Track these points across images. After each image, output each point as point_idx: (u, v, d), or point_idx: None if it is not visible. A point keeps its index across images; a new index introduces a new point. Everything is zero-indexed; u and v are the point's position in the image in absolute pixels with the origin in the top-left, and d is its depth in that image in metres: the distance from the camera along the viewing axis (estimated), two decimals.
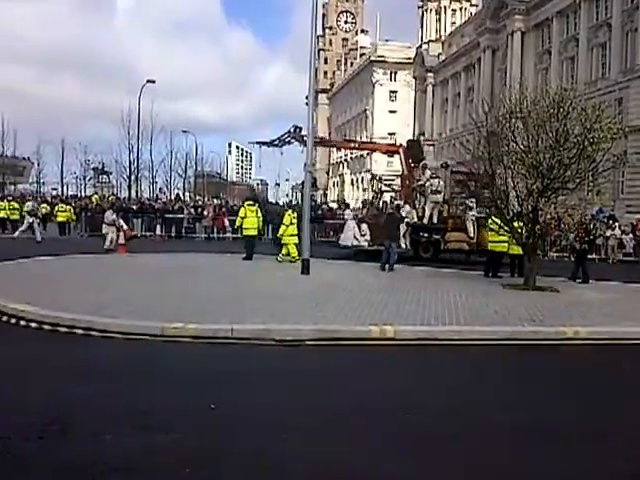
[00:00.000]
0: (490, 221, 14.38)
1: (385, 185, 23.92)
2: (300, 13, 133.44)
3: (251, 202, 18.66)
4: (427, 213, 20.28)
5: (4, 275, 12.20)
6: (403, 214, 19.40)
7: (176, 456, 4.02)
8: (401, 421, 4.87)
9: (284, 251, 17.38)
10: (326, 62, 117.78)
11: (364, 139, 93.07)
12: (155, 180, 56.60)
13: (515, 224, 13.47)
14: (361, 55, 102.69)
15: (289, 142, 24.62)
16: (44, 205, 31.08)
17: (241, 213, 18.04)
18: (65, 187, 61.82)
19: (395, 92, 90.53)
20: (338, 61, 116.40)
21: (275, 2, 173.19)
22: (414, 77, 77.05)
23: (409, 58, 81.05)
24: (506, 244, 14.62)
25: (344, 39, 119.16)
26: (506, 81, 49.86)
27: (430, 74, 72.03)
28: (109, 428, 4.43)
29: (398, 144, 26.22)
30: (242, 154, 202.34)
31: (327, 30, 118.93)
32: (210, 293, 10.63)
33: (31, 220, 22.90)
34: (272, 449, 4.20)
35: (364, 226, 20.59)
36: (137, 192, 45.64)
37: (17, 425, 4.42)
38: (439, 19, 74.70)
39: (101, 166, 47.70)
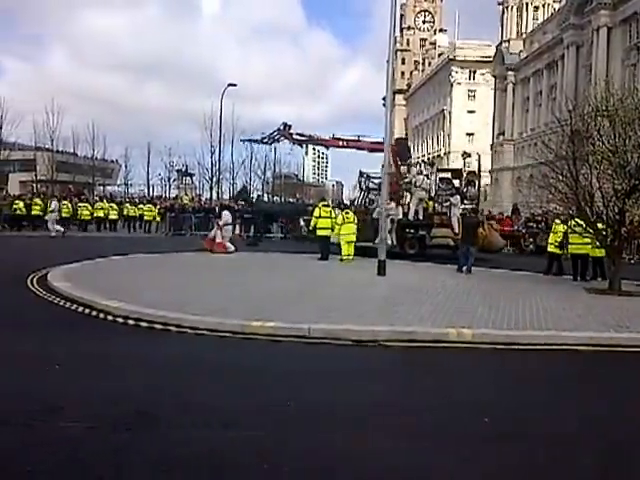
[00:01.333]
0: (574, 223, 13.86)
1: (372, 183, 23.73)
2: (379, 14, 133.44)
3: (326, 203, 18.85)
4: (412, 209, 20.63)
5: (96, 272, 12.83)
6: (391, 212, 19.52)
7: (257, 452, 4.09)
8: (478, 425, 4.77)
9: (344, 251, 17.42)
10: (403, 62, 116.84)
11: (441, 140, 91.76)
12: (235, 181, 58.08)
13: (599, 225, 12.95)
14: (439, 54, 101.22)
15: (278, 140, 24.64)
16: (129, 206, 32.87)
17: (316, 213, 18.26)
18: (151, 188, 64.34)
19: (474, 91, 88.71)
20: (416, 61, 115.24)
21: (355, 3, 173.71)
22: (494, 76, 75.17)
23: (488, 56, 79.17)
24: (589, 246, 14.08)
25: (422, 39, 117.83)
26: (591, 78, 47.81)
27: (511, 72, 70.08)
28: (194, 423, 4.56)
29: (381, 142, 26.06)
30: (319, 155, 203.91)
31: (405, 30, 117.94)
32: (288, 292, 10.76)
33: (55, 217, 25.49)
34: (352, 447, 4.22)
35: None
36: (218, 193, 46.83)
37: (106, 415, 4.62)
38: (520, 16, 72.51)
39: (184, 168, 49.18)
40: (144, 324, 8.05)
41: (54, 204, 26.38)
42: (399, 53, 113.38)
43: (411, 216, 20.64)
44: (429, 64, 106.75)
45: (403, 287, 11.93)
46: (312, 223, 18.59)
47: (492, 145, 73.48)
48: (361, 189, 24.13)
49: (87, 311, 8.84)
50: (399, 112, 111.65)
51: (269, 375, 6.05)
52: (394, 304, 9.71)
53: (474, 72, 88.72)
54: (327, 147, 25.81)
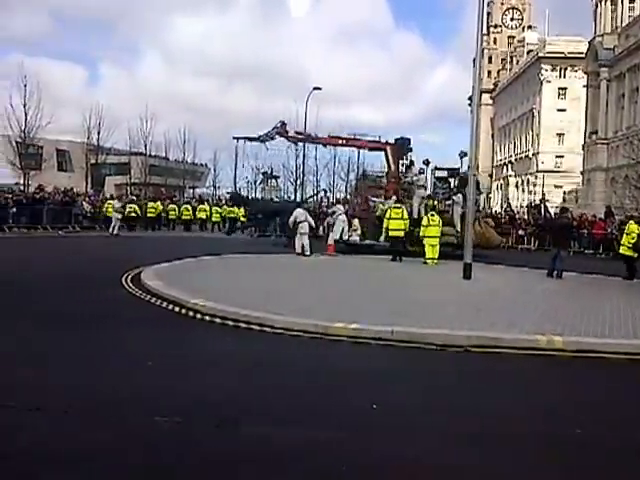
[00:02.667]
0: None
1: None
2: (467, 13, 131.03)
3: (397, 204, 18.74)
4: (415, 208, 20.49)
5: (186, 271, 13.27)
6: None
7: (336, 454, 4.08)
8: (567, 439, 4.55)
9: (428, 254, 17.18)
10: (490, 61, 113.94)
11: (529, 140, 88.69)
12: (319, 183, 58.51)
13: None
14: (528, 52, 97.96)
15: (272, 137, 24.04)
16: (218, 208, 34.48)
17: (387, 214, 18.16)
18: (238, 190, 65.94)
19: (564, 89, 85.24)
20: (503, 59, 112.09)
21: (443, 3, 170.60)
22: (586, 73, 71.92)
23: (580, 53, 75.79)
24: None
25: (510, 36, 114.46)
26: None
27: (604, 69, 66.74)
28: (277, 422, 4.61)
29: (384, 141, 24.74)
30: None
31: (492, 28, 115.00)
32: (370, 294, 10.72)
33: (119, 216, 27.21)
34: (435, 454, 4.13)
35: (355, 221, 20.79)
36: (302, 195, 47.34)
37: (194, 412, 4.74)
38: (615, 9, 68.96)
39: (270, 171, 50.19)
40: (230, 323, 8.23)
41: (118, 204, 28.20)
42: (486, 52, 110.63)
43: (415, 214, 20.47)
44: (517, 62, 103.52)
45: (490, 291, 11.61)
46: (384, 224, 18.50)
47: (584, 145, 70.34)
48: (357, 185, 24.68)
49: (177, 309, 9.13)
50: (485, 112, 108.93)
51: (351, 377, 6.03)
52: (480, 308, 9.46)
53: (564, 69, 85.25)
54: (325, 145, 25.30)
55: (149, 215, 32.08)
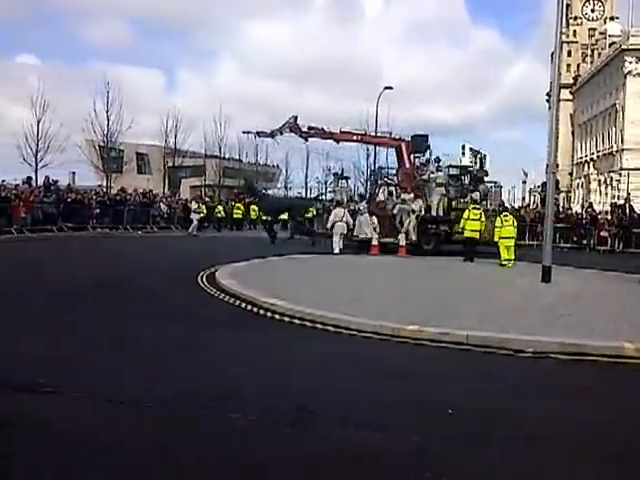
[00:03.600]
0: None
1: (388, 178, 23.65)
2: (545, 6, 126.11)
3: (477, 205, 18.46)
4: (434, 205, 20.65)
5: (260, 271, 13.50)
6: (414, 207, 20.30)
7: (415, 459, 4.02)
8: None
9: (503, 255, 16.78)
10: (569, 55, 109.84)
11: (612, 136, 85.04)
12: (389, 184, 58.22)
13: None
14: (610, 45, 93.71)
15: (281, 132, 23.38)
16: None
17: (465, 215, 17.92)
18: (309, 191, 66.48)
19: None
20: (583, 53, 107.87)
21: None
22: None
23: None
24: None
25: (590, 29, 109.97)
26: None
27: None
28: (353, 423, 4.60)
29: (398, 137, 24.14)
30: (476, 155, 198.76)
31: (571, 20, 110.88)
32: (445, 296, 10.55)
33: (198, 217, 28.47)
34: (517, 464, 4.01)
35: (373, 218, 20.12)
36: (370, 194, 47.16)
37: (268, 409, 4.79)
38: None
39: (341, 171, 50.28)
40: (304, 323, 8.30)
41: (195, 205, 29.38)
42: (565, 45, 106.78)
43: (434, 212, 20.65)
44: (598, 55, 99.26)
45: (570, 295, 11.18)
46: (461, 224, 18.20)
47: None
48: (375, 183, 24.32)
49: (251, 308, 9.31)
50: (564, 108, 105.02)
51: (425, 381, 5.95)
52: (561, 313, 9.12)
53: None
54: (337, 141, 24.38)
55: (235, 217, 33.77)
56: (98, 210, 27.89)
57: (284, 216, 27.65)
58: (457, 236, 20.14)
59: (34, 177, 35.23)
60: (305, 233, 24.78)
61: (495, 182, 25.29)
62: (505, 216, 17.61)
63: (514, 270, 16.00)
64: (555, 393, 5.76)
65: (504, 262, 16.67)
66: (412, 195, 20.93)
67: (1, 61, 71.15)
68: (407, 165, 22.91)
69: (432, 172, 21.66)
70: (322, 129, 23.16)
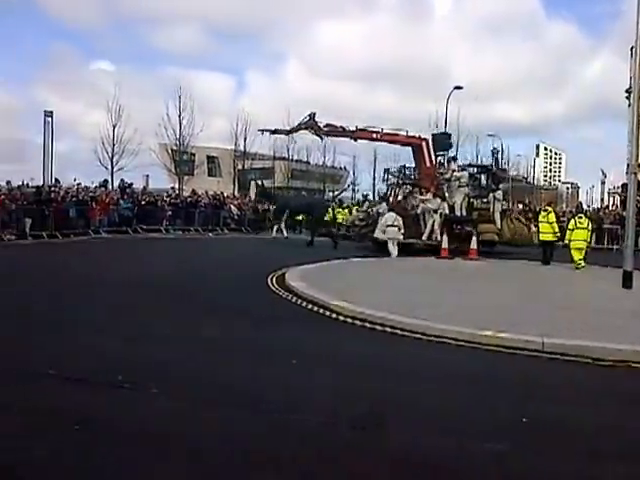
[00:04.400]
0: None
1: (407, 177, 23.12)
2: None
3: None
4: (458, 205, 20.38)
5: (329, 273, 13.58)
6: (434, 207, 20.12)
7: (490, 467, 3.95)
8: None
9: (575, 257, 16.36)
10: None
11: None
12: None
13: None
14: None
15: (296, 130, 22.86)
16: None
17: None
18: (376, 194, 66.20)
19: None
20: None
21: None
22: None
23: None
24: None
25: None
26: None
27: None
28: (424, 428, 4.57)
29: (417, 136, 23.30)
30: (550, 156, 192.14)
31: None
32: (519, 300, 10.30)
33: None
34: (596, 475, 3.89)
35: (398, 219, 19.47)
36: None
37: (339, 412, 4.81)
38: None
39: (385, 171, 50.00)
40: (370, 325, 8.28)
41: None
42: None
43: (458, 212, 20.35)
44: None
45: None
46: (567, 236, 17.43)
47: None
48: (387, 183, 23.94)
49: (319, 310, 9.36)
50: None
51: (500, 387, 5.84)
52: None
53: None
54: (355, 140, 23.68)
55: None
56: (170, 212, 28.76)
57: (299, 217, 27.18)
58: (482, 237, 20.09)
59: (110, 180, 36.70)
60: (325, 235, 23.71)
61: (572, 183, 24.73)
62: (580, 218, 17.02)
63: (590, 274, 15.44)
64: (636, 404, 5.53)
65: (578, 265, 16.14)
66: (431, 194, 20.78)
67: (79, 68, 74.43)
68: (428, 164, 22.56)
69: (455, 171, 21.32)
70: (340, 127, 22.71)
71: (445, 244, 18.99)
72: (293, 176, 62.13)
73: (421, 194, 21.53)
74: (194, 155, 53.94)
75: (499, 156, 25.71)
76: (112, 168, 41.09)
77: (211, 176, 61.01)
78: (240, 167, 55.84)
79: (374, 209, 23.05)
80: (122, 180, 31.46)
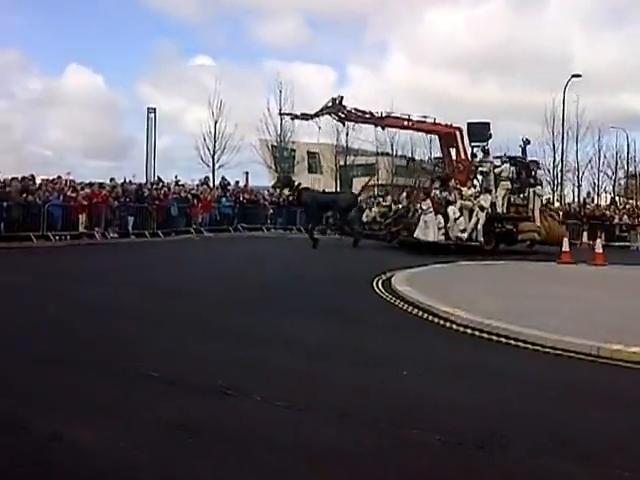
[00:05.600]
0: None
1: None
2: None
3: None
4: (499, 202, 19.55)
5: (434, 278, 13.41)
6: (483, 203, 19.18)
7: None
8: None
9: None
10: None
11: None
12: (580, 183, 54.18)
13: None
14: None
15: (320, 114, 21.45)
16: None
17: None
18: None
19: None
20: None
21: None
22: None
23: None
24: None
25: None
26: None
27: None
28: (550, 451, 4.35)
29: (449, 125, 21.77)
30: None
31: None
32: None
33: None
34: None
35: (439, 218, 18.59)
36: (561, 197, 44.54)
37: (454, 428, 4.66)
38: None
39: None
40: (484, 335, 8.04)
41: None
42: None
43: (500, 208, 19.49)
44: None
45: None
46: None
47: None
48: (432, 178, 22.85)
49: (429, 316, 9.20)
50: None
51: (633, 409, 5.44)
52: None
53: None
54: (382, 127, 22.67)
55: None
56: (272, 211, 29.34)
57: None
58: (522, 235, 19.48)
59: (211, 177, 37.86)
60: (347, 233, 22.48)
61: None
62: None
63: None
64: None
65: None
66: (472, 189, 19.90)
67: (180, 63, 77.65)
68: (462, 156, 21.49)
69: (493, 164, 20.46)
70: (369, 113, 21.59)
71: (566, 246, 18.12)
72: (397, 172, 61.62)
73: (464, 189, 20.36)
74: (294, 151, 54.74)
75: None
76: (213, 165, 42.48)
77: (312, 173, 61.70)
78: (342, 163, 56.07)
79: (399, 205, 22.31)
80: (223, 178, 32.45)
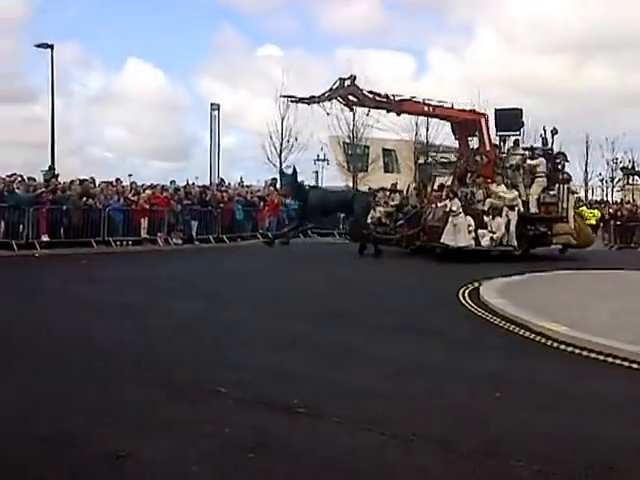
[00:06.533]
0: None
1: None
2: None
3: None
4: (533, 200, 19.07)
5: (532, 287, 13.14)
6: (513, 201, 18.60)
7: None
8: None
9: None
10: None
11: None
12: None
13: None
14: None
15: (327, 98, 19.33)
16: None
17: None
18: (590, 191, 61.54)
19: None
20: None
21: None
22: None
23: None
24: None
25: None
26: None
27: None
28: None
29: (474, 110, 20.89)
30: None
31: None
32: None
33: None
34: None
35: (469, 219, 17.66)
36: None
37: (555, 459, 4.55)
38: None
39: (631, 165, 44.70)
40: (595, 355, 7.78)
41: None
42: None
43: (533, 208, 19.18)
44: None
45: None
46: None
47: None
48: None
49: (524, 332, 9.03)
50: None
51: None
52: None
53: None
54: (399, 113, 20.49)
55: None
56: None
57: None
58: (557, 239, 19.11)
59: (278, 179, 37.95)
60: (365, 239, 20.71)
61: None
62: None
63: None
64: None
65: None
66: (503, 185, 19.06)
67: (245, 54, 78.80)
68: (487, 147, 20.05)
69: (526, 157, 19.84)
70: (385, 96, 19.96)
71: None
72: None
73: (492, 186, 19.46)
74: (368, 148, 54.56)
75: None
76: (280, 165, 42.62)
77: (388, 172, 61.36)
78: (422, 161, 55.52)
79: (409, 204, 21.61)
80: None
